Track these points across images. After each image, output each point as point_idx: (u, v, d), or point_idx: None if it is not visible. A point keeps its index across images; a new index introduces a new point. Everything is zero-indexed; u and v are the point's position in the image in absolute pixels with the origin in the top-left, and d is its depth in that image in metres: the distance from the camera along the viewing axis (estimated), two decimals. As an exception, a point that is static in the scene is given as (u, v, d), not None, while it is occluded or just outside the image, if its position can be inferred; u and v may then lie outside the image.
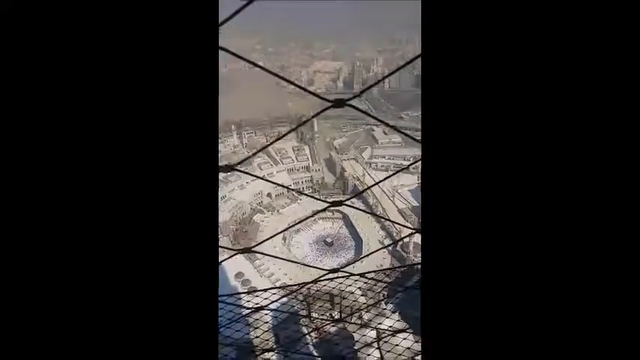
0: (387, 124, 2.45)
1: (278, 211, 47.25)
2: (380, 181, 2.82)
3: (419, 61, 1.36)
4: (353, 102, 1.45)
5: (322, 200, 1.97)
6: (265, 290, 3.74)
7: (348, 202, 1.62)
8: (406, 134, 2.31)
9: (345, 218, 46.86)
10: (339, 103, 1.41)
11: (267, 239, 2.31)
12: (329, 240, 43.61)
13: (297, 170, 52.59)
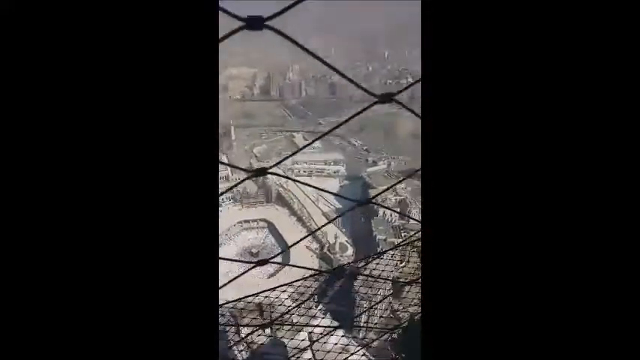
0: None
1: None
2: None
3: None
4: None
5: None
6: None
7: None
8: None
9: (271, 226, 46.45)
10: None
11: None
12: (254, 250, 42.76)
13: (217, 180, 50.51)
